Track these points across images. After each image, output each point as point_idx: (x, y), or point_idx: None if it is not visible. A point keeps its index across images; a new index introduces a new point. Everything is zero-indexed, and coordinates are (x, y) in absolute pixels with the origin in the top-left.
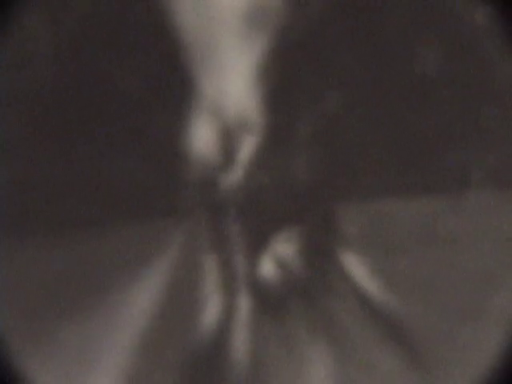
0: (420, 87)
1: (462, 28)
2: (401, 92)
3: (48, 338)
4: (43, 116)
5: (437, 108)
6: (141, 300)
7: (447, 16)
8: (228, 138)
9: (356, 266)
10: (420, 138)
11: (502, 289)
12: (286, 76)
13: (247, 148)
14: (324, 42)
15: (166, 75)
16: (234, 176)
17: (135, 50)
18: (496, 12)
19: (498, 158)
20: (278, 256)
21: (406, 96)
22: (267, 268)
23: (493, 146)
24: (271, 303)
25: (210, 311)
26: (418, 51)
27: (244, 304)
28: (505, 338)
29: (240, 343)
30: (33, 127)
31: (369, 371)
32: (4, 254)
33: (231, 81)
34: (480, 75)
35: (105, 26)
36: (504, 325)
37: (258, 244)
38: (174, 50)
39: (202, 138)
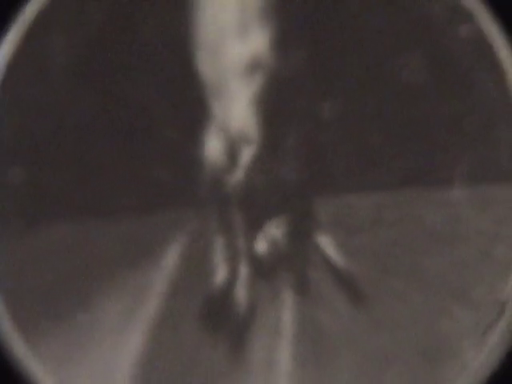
0: (406, 94)
1: (447, 40)
2: (388, 98)
3: (66, 320)
4: (60, 124)
5: (421, 113)
6: (165, 271)
7: (433, 29)
8: (232, 148)
9: (327, 245)
10: (405, 139)
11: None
12: (277, 103)
13: (246, 155)
14: (309, 78)
15: (186, 101)
16: (236, 177)
17: (151, 66)
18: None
19: (476, 158)
20: (270, 237)
21: (392, 101)
22: (261, 246)
23: (472, 147)
24: (264, 271)
25: (219, 276)
26: (404, 61)
27: (243, 271)
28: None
29: (241, 297)
30: (51, 136)
31: (330, 315)
32: (25, 240)
33: (235, 106)
34: (461, 83)
35: (119, 40)
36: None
37: (254, 228)
38: (192, 79)
39: (212, 147)
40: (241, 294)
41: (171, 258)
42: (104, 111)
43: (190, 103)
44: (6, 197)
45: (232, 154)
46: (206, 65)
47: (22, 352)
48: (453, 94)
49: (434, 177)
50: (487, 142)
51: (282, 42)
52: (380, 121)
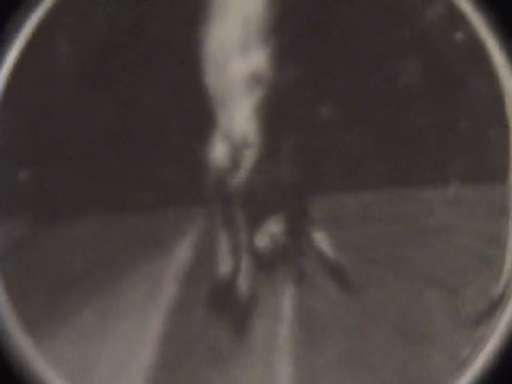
0: (403, 97)
1: (442, 45)
2: (385, 100)
3: (89, 307)
4: (68, 127)
5: (417, 115)
6: (177, 262)
7: (428, 34)
8: (235, 152)
9: (321, 239)
10: (391, 143)
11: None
12: (275, 112)
13: (248, 159)
14: (305, 89)
15: (194, 111)
16: (239, 178)
17: (159, 74)
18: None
19: (469, 158)
20: (269, 232)
21: (389, 104)
22: (261, 240)
23: (465, 148)
24: (264, 263)
25: (224, 267)
26: (400, 66)
27: (246, 263)
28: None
29: (243, 286)
30: (60, 138)
31: (322, 301)
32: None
33: (238, 115)
34: (455, 86)
35: (124, 44)
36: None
37: (255, 224)
38: (199, 91)
39: (217, 151)
40: (243, 283)
41: (182, 250)
42: (114, 116)
43: (198, 112)
44: (16, 196)
45: (235, 157)
46: (212, 78)
47: (32, 350)
48: (446, 95)
49: (414, 178)
50: (475, 144)
51: (280, 58)
52: (370, 126)
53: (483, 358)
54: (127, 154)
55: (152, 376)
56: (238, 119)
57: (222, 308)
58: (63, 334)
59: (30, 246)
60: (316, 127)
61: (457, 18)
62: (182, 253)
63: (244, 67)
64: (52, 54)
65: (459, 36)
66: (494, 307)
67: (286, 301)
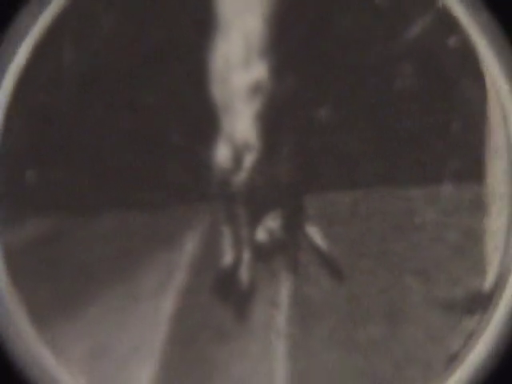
0: (397, 101)
1: (437, 51)
2: (379, 104)
3: (108, 294)
4: (74, 130)
5: (409, 118)
6: (186, 253)
7: (423, 40)
8: (237, 154)
9: (314, 233)
10: (388, 143)
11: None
12: (273, 118)
13: (249, 160)
14: (300, 99)
15: (201, 118)
16: (241, 177)
17: (161, 75)
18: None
19: (462, 158)
20: (268, 227)
21: (383, 108)
22: (261, 234)
23: (459, 148)
24: (263, 255)
25: (227, 258)
26: (397, 70)
27: (246, 255)
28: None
29: (244, 275)
30: (66, 141)
31: (315, 288)
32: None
33: (240, 121)
34: (449, 89)
35: (129, 50)
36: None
37: (255, 220)
38: (205, 100)
39: (221, 154)
40: (244, 272)
41: (190, 242)
42: (123, 120)
43: (204, 118)
44: (24, 197)
45: (237, 159)
46: (216, 88)
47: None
48: (441, 97)
49: (400, 178)
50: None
51: (278, 70)
52: (363, 129)
53: (477, 354)
54: (138, 157)
55: (165, 351)
56: (240, 125)
57: (226, 294)
58: (84, 319)
59: (49, 243)
60: (311, 132)
61: (450, 24)
62: (190, 245)
63: (246, 78)
64: (58, 58)
65: (452, 41)
66: (482, 301)
67: (283, 288)
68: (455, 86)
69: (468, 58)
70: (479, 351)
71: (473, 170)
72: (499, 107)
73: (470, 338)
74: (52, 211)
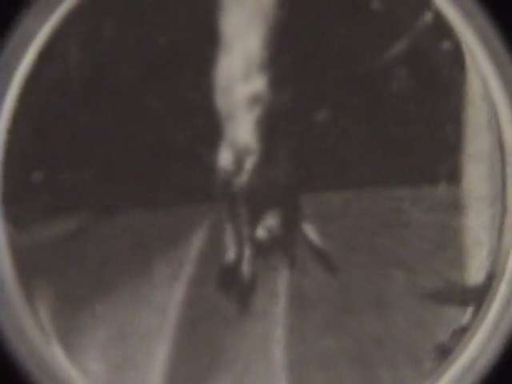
0: (390, 104)
1: (432, 55)
2: (374, 108)
3: (126, 284)
4: (80, 132)
5: (400, 121)
6: (193, 249)
7: (418, 45)
8: (238, 158)
9: (310, 230)
10: (379, 146)
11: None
12: (271, 126)
13: (249, 163)
14: (296, 107)
15: (206, 125)
16: (242, 179)
17: (165, 79)
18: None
19: (445, 161)
20: (267, 225)
21: (377, 112)
22: (261, 232)
23: (442, 151)
24: (262, 251)
25: (230, 254)
26: (394, 73)
27: (247, 251)
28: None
29: (246, 268)
30: (72, 142)
31: (311, 280)
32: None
33: (241, 128)
34: (443, 92)
35: (131, 52)
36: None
37: (255, 218)
38: (210, 109)
39: (224, 158)
40: (246, 266)
41: (197, 239)
42: (131, 124)
43: (208, 125)
44: (31, 197)
45: (238, 162)
46: (220, 99)
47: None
48: (435, 100)
49: (387, 179)
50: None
51: (276, 82)
52: (355, 134)
53: (472, 351)
54: (148, 160)
55: (176, 335)
56: (241, 131)
57: (229, 285)
58: (104, 308)
59: (68, 241)
60: (306, 137)
61: (444, 29)
62: (197, 242)
63: (246, 90)
64: (64, 61)
65: (446, 45)
66: (474, 296)
67: (281, 280)
68: (447, 90)
69: (462, 61)
70: (474, 348)
71: (453, 172)
72: (485, 112)
73: (464, 333)
74: (68, 212)
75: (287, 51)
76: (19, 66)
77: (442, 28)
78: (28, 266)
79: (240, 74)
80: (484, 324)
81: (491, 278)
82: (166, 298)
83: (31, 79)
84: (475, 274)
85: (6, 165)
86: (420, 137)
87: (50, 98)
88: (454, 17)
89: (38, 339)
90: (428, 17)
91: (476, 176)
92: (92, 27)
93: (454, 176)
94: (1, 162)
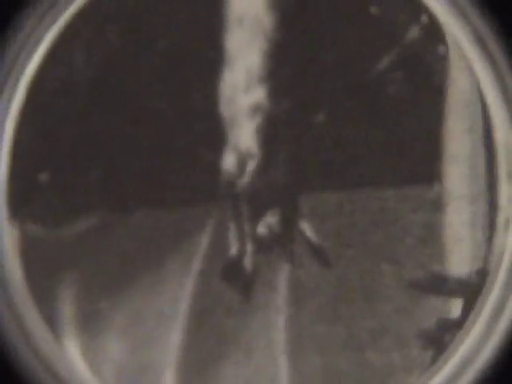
0: (384, 109)
1: (427, 58)
2: (370, 113)
3: (140, 278)
4: (85, 133)
5: (395, 124)
6: (200, 245)
7: (415, 49)
8: (241, 161)
9: (307, 228)
10: (372, 149)
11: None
12: (271, 131)
13: (251, 166)
14: (293, 114)
15: (211, 131)
16: (244, 181)
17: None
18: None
19: (427, 163)
20: (268, 223)
21: (372, 116)
22: (262, 229)
23: (427, 154)
24: (263, 247)
25: (233, 250)
26: (388, 79)
27: (249, 247)
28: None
29: (248, 263)
30: (77, 144)
31: (307, 274)
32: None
33: (243, 134)
34: (430, 97)
35: (135, 56)
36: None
37: (257, 217)
38: (215, 117)
39: (228, 161)
40: (248, 261)
41: (203, 236)
42: (139, 128)
43: (214, 132)
44: (38, 197)
45: (241, 165)
46: (224, 108)
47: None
48: (430, 102)
49: (377, 181)
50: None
51: (275, 93)
52: (349, 139)
53: (467, 348)
54: (157, 163)
55: (187, 322)
56: (244, 137)
57: (233, 278)
58: (123, 296)
59: (89, 238)
60: (304, 142)
61: (439, 33)
62: (203, 238)
63: (248, 100)
64: (69, 64)
65: (442, 49)
66: (464, 290)
67: (280, 273)
68: (433, 95)
69: (456, 64)
70: (470, 345)
71: (436, 174)
72: (467, 118)
73: (455, 327)
74: (75, 212)
75: (285, 65)
76: (26, 69)
77: (437, 32)
78: (37, 263)
79: (242, 86)
80: (479, 322)
81: (485, 276)
82: (176, 289)
83: (37, 82)
84: (456, 267)
85: (13, 166)
86: (406, 141)
87: (56, 100)
88: (450, 21)
89: (47, 335)
90: (423, 22)
91: (457, 177)
92: (97, 31)
93: (436, 177)
94: (8, 163)
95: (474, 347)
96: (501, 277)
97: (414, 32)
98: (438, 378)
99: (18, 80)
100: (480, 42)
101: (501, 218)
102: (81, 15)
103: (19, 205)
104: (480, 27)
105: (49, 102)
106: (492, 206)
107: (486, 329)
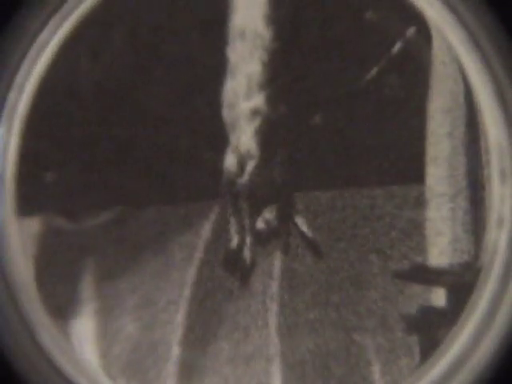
0: (381, 110)
1: (423, 60)
2: (367, 114)
3: (147, 264)
4: (90, 135)
5: (391, 126)
6: (202, 238)
7: (411, 52)
8: (241, 161)
9: (302, 223)
10: (363, 149)
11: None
12: (268, 134)
13: (250, 166)
14: (291, 119)
15: (214, 134)
16: (244, 179)
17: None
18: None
19: (411, 164)
20: (265, 218)
21: (362, 122)
22: (260, 224)
23: (411, 156)
24: (261, 240)
25: (234, 242)
26: (383, 80)
27: (248, 239)
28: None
29: (247, 254)
30: (82, 145)
31: (302, 265)
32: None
33: (243, 136)
34: (425, 98)
35: (141, 60)
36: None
37: (255, 212)
38: (217, 120)
39: (229, 161)
40: (247, 253)
41: (206, 229)
42: (147, 132)
43: (216, 134)
44: (45, 195)
45: (241, 165)
46: (226, 112)
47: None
48: (415, 109)
49: (366, 180)
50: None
51: (273, 99)
52: (339, 143)
53: (462, 343)
54: (162, 163)
55: (190, 306)
56: (244, 139)
57: (233, 268)
58: (133, 281)
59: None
60: (299, 144)
61: (432, 36)
62: (206, 232)
63: (248, 105)
64: (75, 67)
65: (434, 52)
66: (455, 283)
67: (276, 264)
68: (419, 102)
69: (450, 65)
70: (463, 341)
71: (418, 174)
72: (447, 124)
73: (455, 325)
74: (77, 210)
75: (282, 73)
76: (32, 72)
77: (429, 36)
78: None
79: (243, 92)
80: (473, 318)
81: (478, 273)
82: (181, 276)
83: (44, 85)
84: (437, 259)
85: (21, 166)
86: (393, 144)
87: (62, 103)
88: (443, 24)
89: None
90: (416, 25)
91: (437, 177)
92: (103, 36)
93: (418, 177)
94: (16, 163)
95: (469, 344)
96: (495, 273)
97: (406, 36)
98: (431, 375)
99: (24, 83)
100: (474, 43)
101: (493, 217)
102: (86, 20)
103: (27, 202)
104: (474, 30)
105: (55, 105)
106: (474, 203)
107: (481, 326)
